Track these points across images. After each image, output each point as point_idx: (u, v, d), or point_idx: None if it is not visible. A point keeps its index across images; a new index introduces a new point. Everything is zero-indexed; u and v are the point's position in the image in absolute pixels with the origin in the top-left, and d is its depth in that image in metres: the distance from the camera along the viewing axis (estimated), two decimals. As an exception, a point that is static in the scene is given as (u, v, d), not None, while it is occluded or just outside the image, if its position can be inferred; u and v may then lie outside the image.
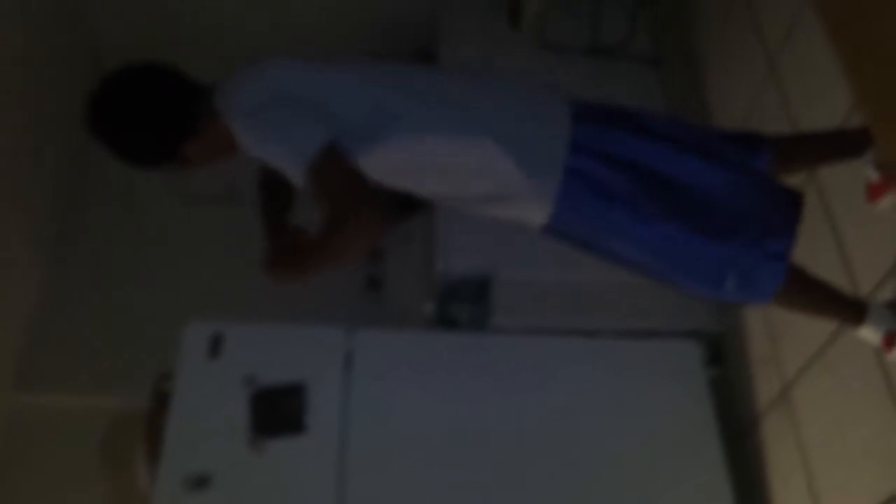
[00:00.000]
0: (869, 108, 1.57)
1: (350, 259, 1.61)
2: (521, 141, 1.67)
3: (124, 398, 2.98)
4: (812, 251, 2.33)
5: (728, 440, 2.65)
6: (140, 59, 1.75)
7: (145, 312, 3.19)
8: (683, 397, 2.70)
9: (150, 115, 1.71)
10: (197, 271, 3.30)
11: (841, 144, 2.04)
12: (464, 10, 3.73)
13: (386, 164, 1.67)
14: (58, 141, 3.62)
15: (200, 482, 2.39)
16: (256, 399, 2.53)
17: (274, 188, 1.85)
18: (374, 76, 1.72)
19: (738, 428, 2.78)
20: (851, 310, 1.94)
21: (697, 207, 1.71)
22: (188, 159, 1.76)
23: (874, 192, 2.03)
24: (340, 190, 1.59)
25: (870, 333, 1.93)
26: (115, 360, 3.13)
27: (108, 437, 2.87)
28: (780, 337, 2.57)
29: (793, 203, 1.79)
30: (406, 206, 1.86)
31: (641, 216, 1.68)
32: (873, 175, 2.00)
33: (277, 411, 2.52)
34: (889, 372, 2.02)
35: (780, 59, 2.63)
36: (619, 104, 1.86)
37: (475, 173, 1.69)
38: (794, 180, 2.40)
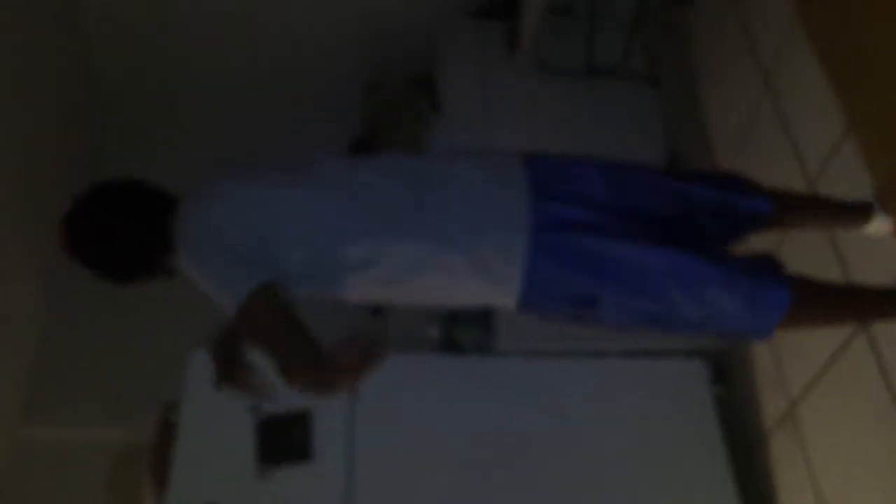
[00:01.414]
0: (860, 136, 1.59)
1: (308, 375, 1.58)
2: (478, 249, 1.63)
3: (130, 429, 2.98)
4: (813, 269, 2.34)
5: (735, 458, 2.64)
6: (109, 177, 1.74)
7: (149, 343, 3.19)
8: (690, 416, 2.70)
9: (132, 233, 1.70)
10: (200, 301, 3.30)
11: (840, 214, 2.00)
12: (461, 33, 3.75)
13: (358, 293, 1.70)
14: (60, 171, 3.64)
15: (208, 512, 2.39)
16: (262, 427, 2.53)
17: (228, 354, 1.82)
18: (321, 194, 1.68)
19: (746, 446, 2.78)
20: (869, 299, 1.90)
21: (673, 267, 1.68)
22: (173, 270, 1.74)
23: None
24: (263, 337, 1.59)
25: (877, 224, 1.91)
26: (120, 391, 3.13)
27: (114, 469, 2.87)
28: (784, 355, 2.57)
29: (770, 265, 1.77)
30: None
31: (619, 283, 1.67)
32: (886, 225, 1.96)
33: (284, 439, 2.52)
34: (893, 385, 2.02)
35: (775, 74, 2.64)
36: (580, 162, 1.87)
37: (441, 288, 1.68)
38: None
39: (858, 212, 1.95)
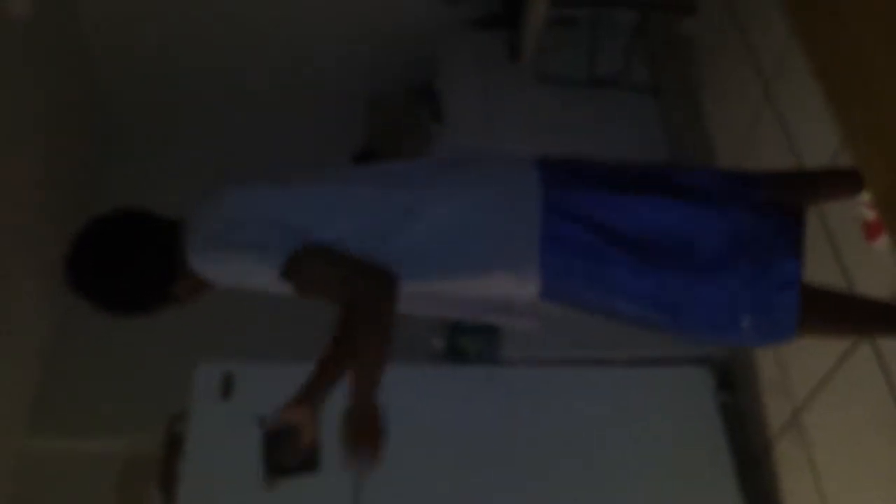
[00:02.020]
0: (856, 146, 1.60)
1: (385, 328, 1.58)
2: (496, 240, 1.64)
3: (136, 441, 2.98)
4: (814, 274, 2.35)
5: (740, 466, 2.65)
6: (103, 212, 1.72)
7: (155, 355, 3.20)
8: (695, 424, 2.71)
9: (135, 262, 1.68)
10: (206, 312, 3.31)
11: (835, 184, 2.02)
12: (463, 44, 3.78)
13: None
14: (66, 184, 3.66)
15: (216, 523, 2.40)
16: (269, 438, 2.53)
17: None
18: (344, 185, 1.71)
19: (751, 453, 2.78)
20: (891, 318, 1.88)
21: (684, 251, 1.67)
22: (179, 298, 1.73)
23: (871, 232, 2.04)
24: (331, 280, 1.59)
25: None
26: (126, 403, 3.13)
27: (122, 481, 2.87)
28: (788, 361, 2.58)
29: (792, 223, 1.74)
30: None
31: (631, 270, 1.65)
32: (868, 214, 2.01)
33: (291, 450, 2.52)
34: (899, 394, 2.03)
35: (776, 83, 2.66)
36: (590, 156, 1.84)
37: (463, 292, 1.68)
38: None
39: (850, 179, 1.95)
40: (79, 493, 3.01)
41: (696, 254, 1.67)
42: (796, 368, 2.53)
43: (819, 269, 2.34)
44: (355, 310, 1.56)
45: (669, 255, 1.66)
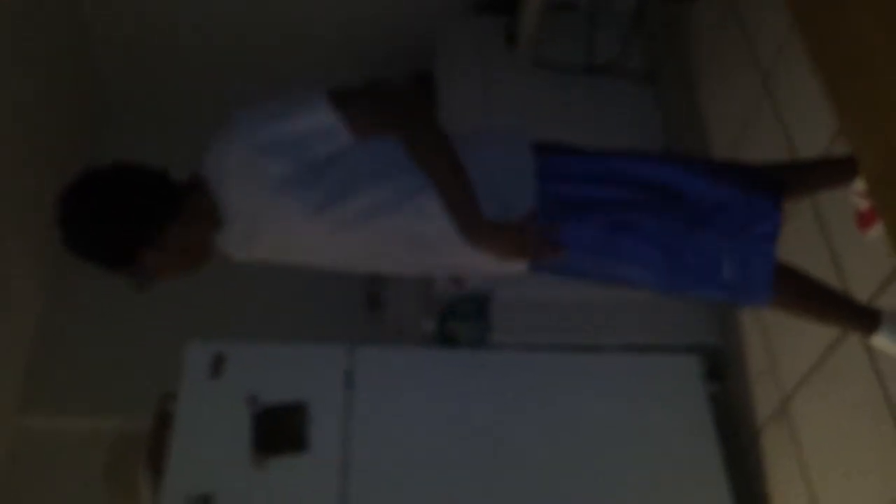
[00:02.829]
0: (849, 131, 1.60)
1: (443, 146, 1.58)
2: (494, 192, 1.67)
3: (127, 419, 2.99)
4: (806, 263, 2.36)
5: (728, 453, 2.66)
6: (100, 164, 1.68)
7: (147, 334, 3.21)
8: (683, 411, 2.71)
9: (125, 208, 1.62)
10: (198, 292, 3.31)
11: (829, 173, 2.04)
12: (460, 29, 3.77)
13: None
14: (59, 160, 3.65)
15: (203, 501, 2.40)
16: (258, 418, 2.54)
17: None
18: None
19: (739, 441, 2.79)
20: (860, 316, 1.93)
21: (674, 204, 1.74)
22: (166, 248, 1.65)
23: (864, 221, 2.04)
24: (380, 105, 1.58)
25: (886, 342, 1.90)
26: (117, 381, 3.15)
27: (111, 459, 2.88)
28: (778, 350, 2.59)
29: (775, 189, 1.81)
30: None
31: (628, 209, 1.72)
32: (861, 203, 2.01)
33: (279, 430, 2.53)
34: (886, 383, 2.03)
35: (773, 75, 2.66)
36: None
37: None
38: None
39: (843, 167, 1.97)
40: (69, 470, 3.02)
41: (685, 206, 1.74)
42: (785, 357, 2.54)
43: (810, 259, 2.35)
44: (412, 135, 1.57)
45: (665, 202, 1.73)
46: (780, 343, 2.57)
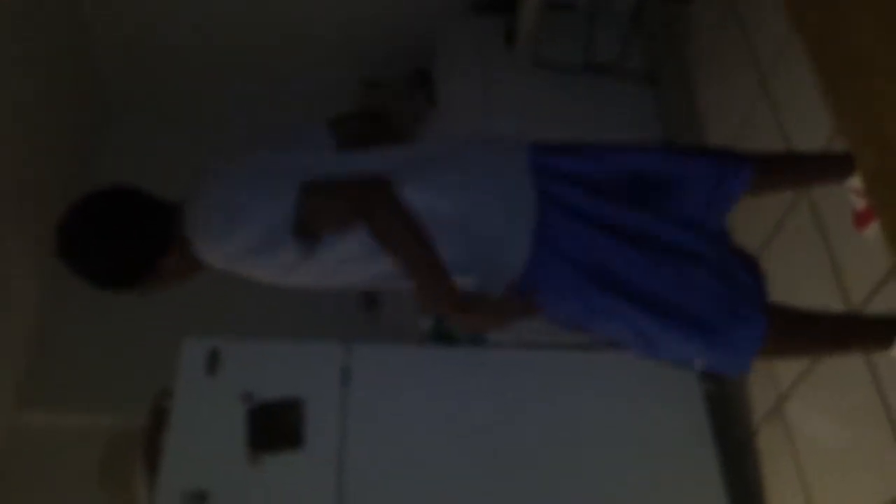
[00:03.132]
0: (847, 130, 1.61)
1: (402, 225, 1.57)
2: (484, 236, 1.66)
3: (123, 415, 2.98)
4: (803, 262, 2.36)
5: (724, 454, 2.66)
6: (104, 185, 1.74)
7: (143, 330, 3.21)
8: (680, 411, 2.71)
9: (124, 237, 1.68)
10: (194, 289, 3.31)
11: (824, 167, 2.03)
12: (459, 28, 3.77)
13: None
14: (59, 159, 3.65)
15: (199, 498, 2.40)
16: (254, 414, 2.54)
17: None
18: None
19: (735, 441, 2.79)
20: (871, 333, 1.86)
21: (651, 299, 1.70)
22: (163, 275, 1.73)
23: (861, 220, 2.04)
24: (341, 202, 1.60)
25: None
26: (113, 378, 3.14)
27: (107, 455, 2.87)
28: (774, 350, 2.58)
29: (753, 278, 1.78)
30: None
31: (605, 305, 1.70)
32: (858, 202, 2.01)
33: (275, 427, 2.53)
34: (881, 382, 2.03)
35: (772, 75, 2.66)
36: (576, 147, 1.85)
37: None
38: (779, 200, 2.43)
39: (839, 163, 1.96)
40: (65, 466, 3.02)
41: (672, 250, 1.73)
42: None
43: (808, 258, 2.35)
44: (370, 219, 1.57)
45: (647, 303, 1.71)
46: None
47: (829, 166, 2.00)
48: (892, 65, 1.53)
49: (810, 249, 2.33)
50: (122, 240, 1.68)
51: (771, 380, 2.58)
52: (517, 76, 3.55)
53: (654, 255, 1.71)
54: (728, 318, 1.70)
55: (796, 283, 2.42)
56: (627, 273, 1.69)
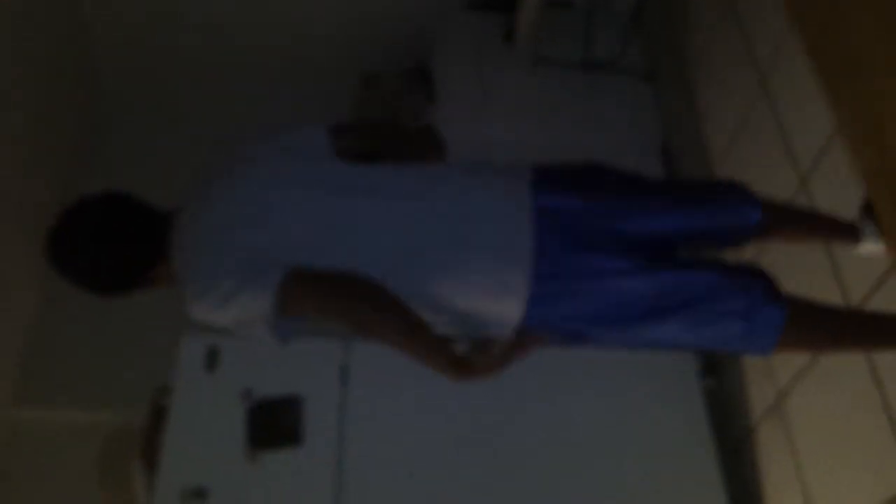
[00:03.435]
0: (846, 128, 1.61)
1: (390, 320, 1.52)
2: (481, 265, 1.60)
3: (122, 413, 2.98)
4: (802, 261, 2.36)
5: (723, 450, 2.66)
6: (93, 192, 1.71)
7: (142, 327, 3.19)
8: (679, 408, 2.71)
9: (116, 246, 1.67)
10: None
11: (835, 228, 2.00)
12: (458, 25, 3.77)
13: None
14: (55, 156, 3.65)
15: (198, 495, 2.40)
16: (253, 412, 2.54)
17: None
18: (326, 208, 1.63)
19: (733, 438, 2.80)
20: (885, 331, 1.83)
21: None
22: (154, 281, 1.72)
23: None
24: (323, 304, 1.55)
25: (870, 245, 1.90)
26: (112, 375, 3.13)
27: (105, 452, 2.87)
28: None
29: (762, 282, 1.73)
30: None
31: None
32: (877, 248, 1.95)
33: (274, 424, 2.53)
34: (881, 379, 2.04)
35: (771, 74, 2.66)
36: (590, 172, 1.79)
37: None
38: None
39: (851, 231, 1.96)
40: (63, 463, 3.02)
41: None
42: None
43: (807, 256, 2.35)
44: (355, 316, 1.53)
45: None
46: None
47: (840, 228, 1.99)
48: (892, 64, 1.54)
49: (809, 247, 2.33)
50: (113, 247, 1.67)
51: (770, 377, 2.59)
52: (516, 74, 3.55)
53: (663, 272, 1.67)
54: (749, 302, 1.67)
55: (796, 282, 2.42)
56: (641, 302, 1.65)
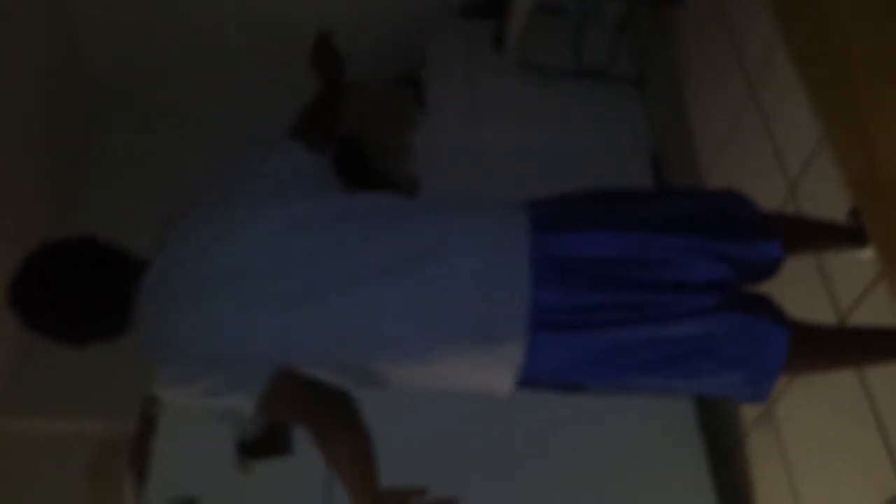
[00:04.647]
0: (833, 135, 1.62)
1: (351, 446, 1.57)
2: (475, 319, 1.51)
3: (111, 421, 2.97)
4: (791, 267, 2.37)
5: (714, 458, 2.66)
6: (60, 237, 1.61)
7: (133, 335, 3.19)
8: (669, 415, 2.71)
9: (86, 297, 1.57)
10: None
11: (842, 235, 1.96)
12: (448, 32, 3.77)
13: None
14: (44, 157, 3.63)
15: (187, 505, 2.39)
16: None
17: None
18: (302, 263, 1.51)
19: (724, 446, 2.80)
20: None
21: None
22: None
23: None
24: (298, 416, 1.58)
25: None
26: (102, 383, 3.12)
27: (95, 461, 2.86)
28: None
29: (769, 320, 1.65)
30: None
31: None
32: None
33: (265, 434, 2.52)
34: (870, 386, 2.04)
35: (760, 80, 2.67)
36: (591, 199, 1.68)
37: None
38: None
39: (854, 236, 1.93)
40: (52, 471, 3.00)
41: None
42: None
43: (796, 263, 2.35)
44: (318, 435, 1.55)
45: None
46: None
47: (840, 236, 1.96)
48: (879, 72, 1.54)
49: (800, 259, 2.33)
50: (82, 299, 1.56)
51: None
52: (506, 81, 3.56)
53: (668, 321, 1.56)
54: (754, 346, 1.60)
55: (784, 290, 2.43)
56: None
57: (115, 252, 1.62)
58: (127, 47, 3.97)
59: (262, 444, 2.50)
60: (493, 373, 1.58)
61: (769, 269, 1.72)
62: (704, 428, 2.70)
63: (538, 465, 2.58)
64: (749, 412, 2.67)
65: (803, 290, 2.29)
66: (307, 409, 1.54)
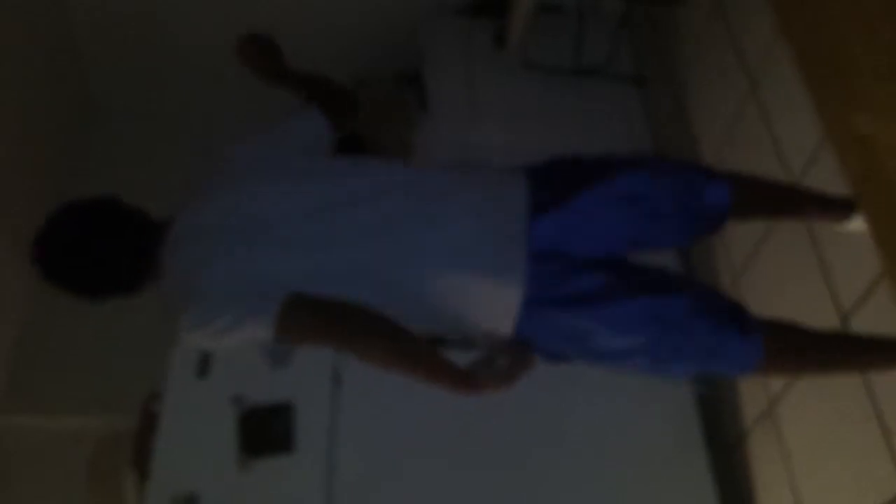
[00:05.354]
0: (833, 133, 1.62)
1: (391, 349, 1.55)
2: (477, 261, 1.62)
3: (112, 419, 2.97)
4: (793, 265, 2.37)
5: (715, 456, 2.67)
6: (81, 196, 1.68)
7: (134, 332, 3.19)
8: (671, 413, 2.72)
9: (107, 251, 1.63)
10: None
11: (820, 207, 1.96)
12: (449, 30, 3.77)
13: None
14: (43, 162, 3.64)
15: (189, 502, 2.39)
16: (245, 418, 2.54)
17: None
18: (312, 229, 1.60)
19: (726, 444, 2.80)
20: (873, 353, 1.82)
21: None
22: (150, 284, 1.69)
23: None
24: (319, 334, 1.56)
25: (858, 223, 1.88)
26: (103, 380, 3.13)
27: (96, 458, 2.86)
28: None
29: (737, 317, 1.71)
30: None
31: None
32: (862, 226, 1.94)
33: (266, 431, 2.53)
34: (872, 387, 2.04)
35: (760, 78, 2.67)
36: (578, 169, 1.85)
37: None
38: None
39: (840, 207, 1.93)
40: (54, 469, 3.01)
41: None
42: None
43: (797, 261, 2.36)
44: (350, 347, 1.56)
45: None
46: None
47: (829, 208, 1.95)
48: (878, 70, 1.55)
49: (800, 253, 2.34)
50: (104, 250, 1.63)
51: (762, 383, 2.59)
52: (506, 79, 3.56)
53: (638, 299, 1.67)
54: (726, 333, 1.67)
55: (785, 287, 2.43)
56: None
57: (136, 209, 1.70)
58: (126, 45, 3.97)
59: (263, 441, 2.51)
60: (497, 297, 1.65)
61: (720, 208, 1.78)
62: (706, 425, 2.70)
63: (539, 461, 2.58)
64: (751, 411, 2.68)
65: (804, 288, 2.30)
66: (329, 324, 1.54)
